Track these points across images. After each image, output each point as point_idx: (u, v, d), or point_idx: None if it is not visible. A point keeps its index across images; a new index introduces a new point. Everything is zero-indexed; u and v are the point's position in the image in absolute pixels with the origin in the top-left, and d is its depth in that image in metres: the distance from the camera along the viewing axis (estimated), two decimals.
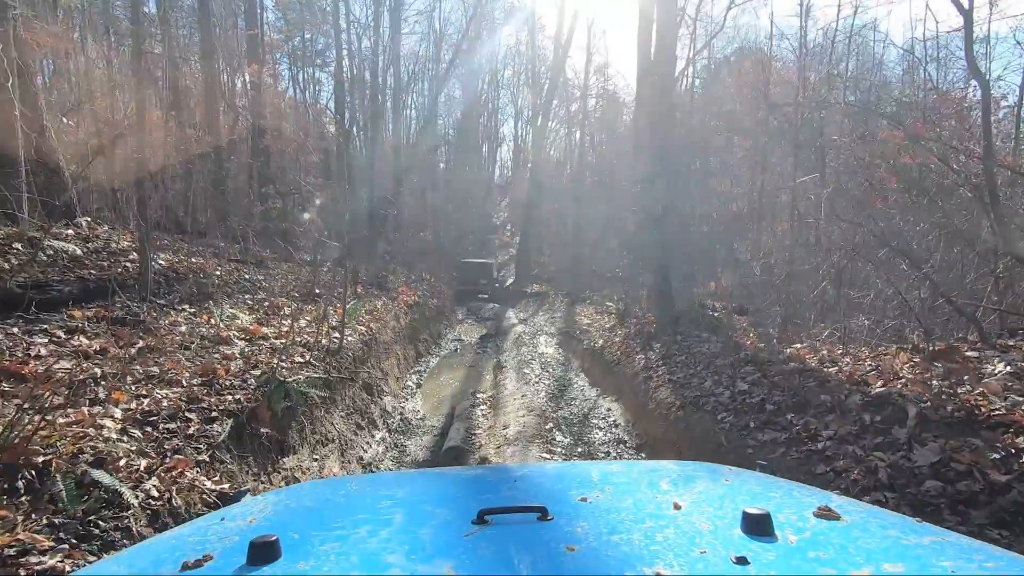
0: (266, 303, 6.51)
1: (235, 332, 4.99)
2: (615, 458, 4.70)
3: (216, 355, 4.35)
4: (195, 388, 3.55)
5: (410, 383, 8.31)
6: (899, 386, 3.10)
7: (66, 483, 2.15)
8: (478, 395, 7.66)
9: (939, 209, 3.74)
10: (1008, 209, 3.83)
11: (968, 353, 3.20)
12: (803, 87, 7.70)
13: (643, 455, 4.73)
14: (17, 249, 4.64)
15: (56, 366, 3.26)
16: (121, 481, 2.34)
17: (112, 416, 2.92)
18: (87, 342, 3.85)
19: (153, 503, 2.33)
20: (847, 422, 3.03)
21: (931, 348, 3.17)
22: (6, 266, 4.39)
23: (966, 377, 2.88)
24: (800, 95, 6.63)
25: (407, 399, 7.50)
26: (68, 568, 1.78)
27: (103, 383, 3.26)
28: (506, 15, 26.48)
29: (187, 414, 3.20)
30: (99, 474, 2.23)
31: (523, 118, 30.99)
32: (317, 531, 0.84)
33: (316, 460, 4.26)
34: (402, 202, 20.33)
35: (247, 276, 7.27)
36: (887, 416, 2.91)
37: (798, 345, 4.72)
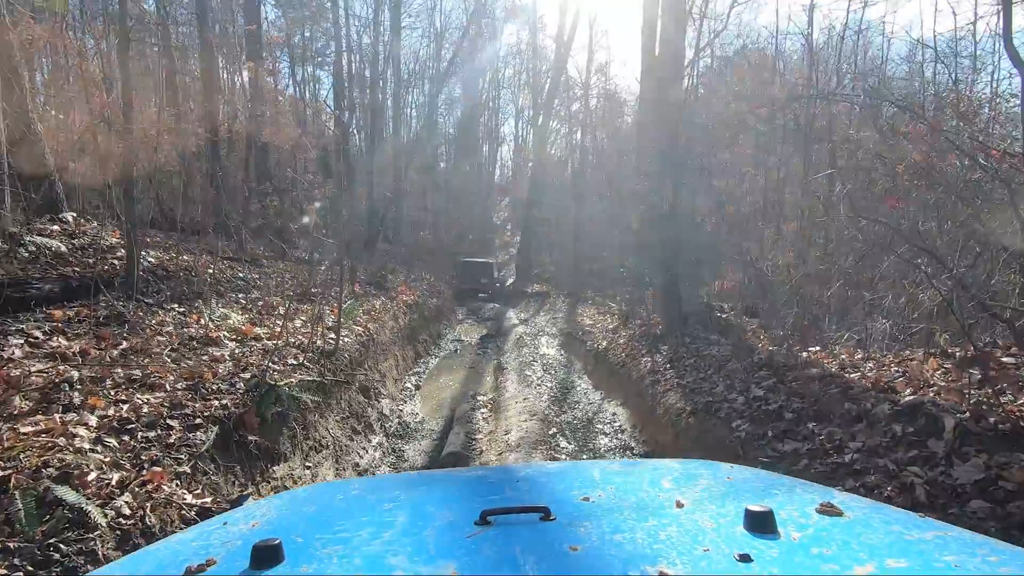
0: (260, 302, 6.30)
1: (226, 333, 4.78)
2: None
3: (204, 357, 4.14)
4: (179, 393, 3.35)
5: (409, 385, 8.10)
6: (931, 394, 2.90)
7: (25, 501, 1.94)
8: (478, 398, 7.45)
9: (965, 206, 3.55)
10: None
11: (1004, 359, 2.99)
12: (813, 82, 7.51)
13: None
14: None
15: (30, 369, 3.05)
16: (89, 498, 2.13)
17: (86, 424, 2.72)
18: (66, 343, 3.65)
19: (124, 522, 2.13)
20: (876, 433, 2.83)
21: (966, 353, 2.97)
22: None
23: (1005, 385, 2.68)
24: (811, 89, 6.43)
25: (405, 401, 7.29)
26: None
27: (79, 387, 3.06)
28: (507, 14, 26.32)
29: (169, 421, 2.99)
30: (63, 491, 2.03)
31: (524, 117, 30.82)
32: (320, 534, 0.83)
33: (309, 468, 4.05)
34: (402, 201, 20.15)
35: (241, 275, 7.06)
36: (920, 427, 2.70)
37: (814, 349, 4.52)
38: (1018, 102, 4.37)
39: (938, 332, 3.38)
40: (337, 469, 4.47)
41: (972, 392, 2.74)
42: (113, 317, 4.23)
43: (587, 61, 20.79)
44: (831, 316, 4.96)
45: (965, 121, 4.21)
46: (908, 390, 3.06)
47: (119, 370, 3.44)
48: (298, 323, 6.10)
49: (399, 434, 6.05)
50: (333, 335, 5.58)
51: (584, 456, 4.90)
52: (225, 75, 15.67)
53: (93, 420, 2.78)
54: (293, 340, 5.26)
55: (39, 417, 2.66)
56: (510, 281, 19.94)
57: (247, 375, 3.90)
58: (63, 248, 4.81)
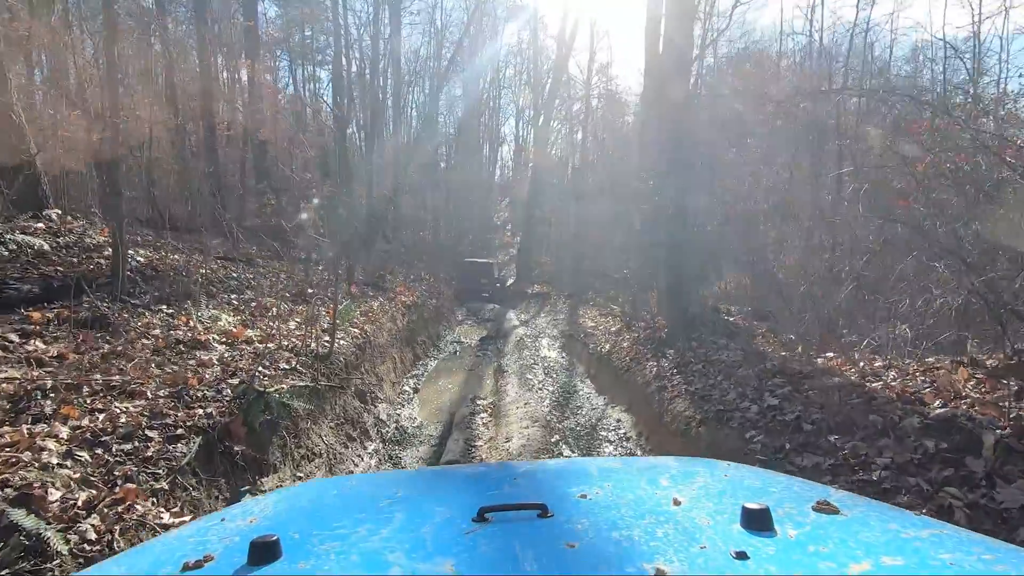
0: (253, 303, 6.11)
1: (215, 335, 4.59)
2: None
3: (191, 362, 3.95)
4: (161, 400, 3.15)
5: (407, 388, 7.91)
6: (964, 407, 2.71)
7: None
8: (478, 401, 7.26)
9: (996, 206, 3.36)
10: None
11: None
12: (820, 80, 7.32)
13: None
14: None
15: (0, 376, 2.86)
16: (51, 521, 1.93)
17: (56, 436, 2.52)
18: (43, 347, 3.45)
19: (88, 548, 1.93)
20: (905, 449, 2.64)
21: (1002, 362, 2.78)
22: None
23: None
24: (822, 85, 6.24)
25: (403, 406, 7.10)
26: None
27: (53, 395, 2.86)
28: (508, 13, 26.13)
29: (147, 432, 2.80)
30: (19, 514, 1.83)
31: (525, 117, 30.62)
32: (318, 530, 0.83)
33: (300, 478, 3.86)
34: (401, 201, 19.95)
35: (235, 275, 6.87)
36: (955, 443, 2.51)
37: (829, 355, 4.33)
38: None
39: (970, 339, 3.18)
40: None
41: (1011, 405, 2.55)
42: (96, 319, 4.03)
43: (588, 61, 20.66)
44: (844, 321, 4.76)
45: (995, 120, 4.03)
46: (937, 402, 2.87)
47: (98, 376, 3.25)
48: (292, 325, 5.91)
49: (396, 440, 5.86)
50: (328, 338, 5.38)
51: None
52: (225, 74, 15.50)
53: (64, 432, 2.58)
54: (287, 343, 5.07)
55: (5, 429, 2.47)
56: (510, 281, 19.76)
57: (235, 381, 3.71)
58: (46, 246, 4.61)
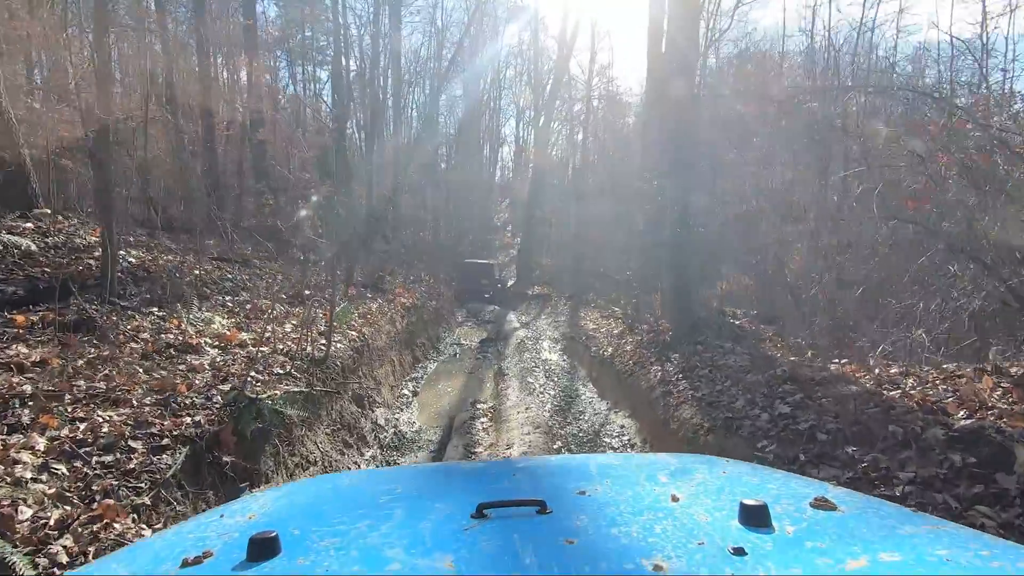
0: (248, 305, 5.97)
1: (207, 339, 4.45)
2: None
3: (181, 367, 3.81)
4: (147, 408, 3.01)
5: (406, 391, 7.77)
6: (991, 418, 2.57)
7: None
8: (478, 406, 7.12)
9: (1012, 206, 3.23)
10: None
11: None
12: (826, 79, 7.19)
13: None
14: None
15: None
16: (18, 544, 1.80)
17: (33, 448, 2.39)
18: (25, 351, 3.32)
19: (58, 573, 1.79)
20: (930, 462, 2.50)
21: None
22: None
23: None
24: (829, 82, 6.12)
25: (402, 410, 6.96)
26: None
27: (32, 404, 2.72)
28: (509, 14, 26.04)
29: (130, 442, 2.66)
30: None
31: (525, 118, 30.52)
32: (317, 527, 0.83)
33: None
34: (401, 201, 19.83)
35: (230, 276, 6.73)
36: (984, 457, 2.37)
37: (841, 360, 4.19)
38: None
39: (993, 345, 3.05)
40: None
41: None
42: (82, 322, 3.90)
43: (589, 62, 20.54)
44: (854, 325, 4.62)
45: (1012, 118, 3.91)
46: (962, 412, 2.73)
47: (81, 382, 3.11)
48: (289, 328, 5.77)
49: (394, 446, 5.72)
50: (324, 341, 5.24)
51: None
52: (225, 74, 15.37)
53: (42, 443, 2.44)
54: (282, 347, 4.93)
55: None
56: (511, 282, 19.64)
57: (227, 387, 3.57)
58: (33, 247, 4.48)
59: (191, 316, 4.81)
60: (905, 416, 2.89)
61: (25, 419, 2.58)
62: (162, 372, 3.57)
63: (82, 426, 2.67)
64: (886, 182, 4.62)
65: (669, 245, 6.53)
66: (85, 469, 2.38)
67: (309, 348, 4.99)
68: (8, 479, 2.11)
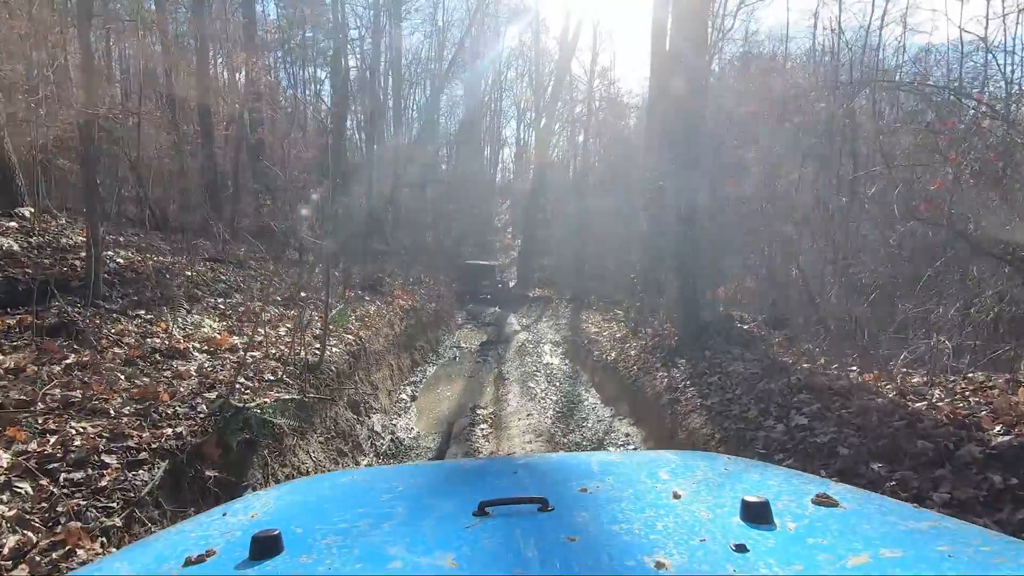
0: (241, 308, 5.78)
1: (196, 343, 4.27)
2: None
3: (167, 373, 3.63)
4: (125, 419, 2.83)
5: (404, 396, 7.58)
6: None
7: None
8: (478, 411, 6.93)
9: None
10: None
11: None
12: (833, 76, 7.02)
13: None
14: None
15: None
16: None
17: None
18: (0, 357, 3.13)
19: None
20: (966, 482, 2.31)
21: None
22: None
23: None
24: (837, 79, 5.95)
25: (399, 415, 6.77)
26: None
27: None
28: (511, 16, 25.94)
29: (104, 456, 2.47)
30: None
31: (526, 120, 30.42)
32: (319, 525, 0.83)
33: None
34: (401, 202, 19.67)
35: (224, 277, 6.55)
36: None
37: (858, 368, 4.00)
38: None
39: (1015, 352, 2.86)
40: None
41: None
42: (63, 326, 3.71)
43: (591, 63, 20.44)
44: (870, 331, 4.43)
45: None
46: (998, 427, 2.54)
47: (56, 391, 2.93)
48: (283, 331, 5.59)
49: (391, 453, 5.53)
50: (319, 345, 5.06)
51: None
52: (226, 74, 15.21)
53: (6, 458, 2.26)
54: (274, 351, 4.75)
55: None
56: (512, 284, 19.50)
57: (213, 395, 3.38)
58: (15, 247, 4.30)
59: (180, 319, 4.63)
60: (935, 430, 2.70)
61: None
62: (145, 379, 3.38)
63: (52, 439, 2.49)
64: (903, 182, 4.43)
65: (675, 246, 6.35)
66: (52, 488, 2.19)
67: (303, 353, 4.80)
68: None
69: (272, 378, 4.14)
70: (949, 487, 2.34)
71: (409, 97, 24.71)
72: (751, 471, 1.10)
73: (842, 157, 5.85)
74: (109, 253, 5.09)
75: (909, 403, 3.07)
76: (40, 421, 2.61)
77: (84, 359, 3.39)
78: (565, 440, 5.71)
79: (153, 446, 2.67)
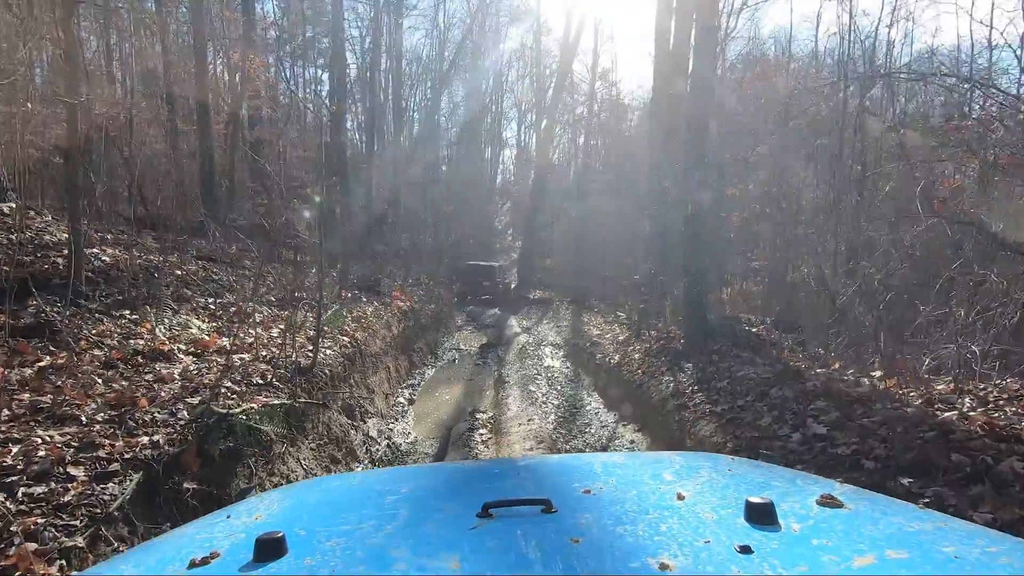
0: (233, 308, 5.59)
1: (182, 345, 4.08)
2: None
3: (148, 376, 3.43)
4: (97, 426, 2.63)
5: (401, 399, 7.39)
6: None
7: None
8: (478, 415, 6.74)
9: None
10: None
11: None
12: (839, 76, 6.84)
13: None
14: None
15: None
16: None
17: None
18: None
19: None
20: (1009, 501, 2.12)
21: None
22: None
23: None
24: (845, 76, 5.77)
25: (396, 420, 6.57)
26: None
27: None
28: (512, 17, 25.84)
29: (70, 468, 2.28)
30: None
31: (527, 121, 30.31)
32: (323, 527, 0.83)
33: None
34: (401, 203, 19.51)
35: (216, 277, 6.36)
36: None
37: (876, 373, 3.80)
38: None
39: None
40: None
41: None
42: (41, 326, 3.52)
43: (592, 64, 20.30)
44: (887, 335, 4.24)
45: None
46: None
47: (26, 395, 2.73)
48: (275, 332, 5.40)
49: (387, 460, 5.33)
50: (312, 347, 4.87)
51: None
52: (226, 75, 15.05)
53: None
54: (265, 353, 4.56)
55: None
56: (513, 285, 19.35)
57: (196, 400, 3.19)
58: None
59: (167, 320, 4.43)
60: (969, 443, 2.51)
61: None
62: (123, 383, 3.19)
63: (15, 449, 2.29)
64: (923, 178, 4.24)
65: (681, 246, 6.16)
66: (8, 504, 2.00)
67: (295, 355, 4.61)
68: None
69: (261, 382, 3.95)
70: (991, 507, 2.15)
71: (410, 98, 24.60)
72: (755, 472, 1.09)
73: (851, 155, 5.67)
74: (95, 251, 4.91)
75: (937, 412, 2.88)
76: (3, 429, 2.42)
77: (60, 361, 3.20)
78: (567, 446, 5.51)
79: (126, 456, 2.48)
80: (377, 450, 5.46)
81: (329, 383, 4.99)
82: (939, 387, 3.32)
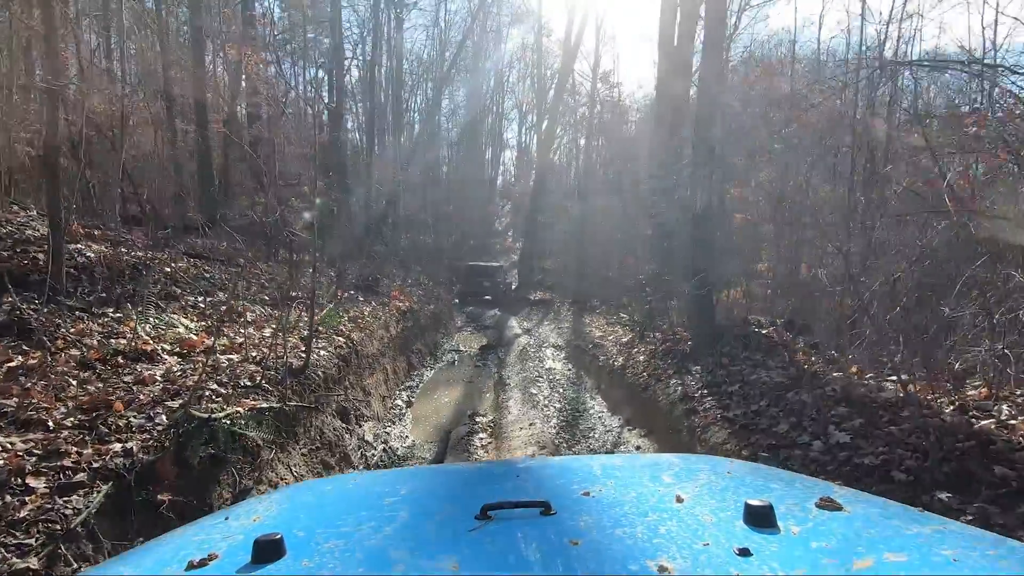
0: (224, 307, 5.39)
1: (166, 345, 3.87)
2: None
3: (128, 378, 3.23)
4: (65, 432, 2.43)
5: (399, 402, 7.18)
6: None
7: None
8: (477, 419, 6.53)
9: None
10: None
11: None
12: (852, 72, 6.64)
13: None
14: None
15: None
16: None
17: None
18: None
19: None
20: None
21: None
22: None
23: None
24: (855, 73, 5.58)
25: (393, 423, 6.37)
26: None
27: None
28: (513, 18, 25.72)
29: (30, 479, 2.07)
30: None
31: (528, 122, 30.19)
32: (321, 528, 0.83)
33: None
34: (401, 203, 19.35)
35: (208, 274, 6.16)
36: None
37: (899, 377, 3.59)
38: None
39: None
40: None
41: None
42: (14, 324, 3.32)
43: (594, 64, 20.14)
44: (906, 338, 4.03)
45: None
46: None
47: None
48: (268, 332, 5.19)
49: (383, 465, 5.13)
50: (304, 348, 4.66)
51: None
52: (224, 73, 14.87)
53: None
54: (255, 354, 4.35)
55: None
56: (514, 286, 19.19)
57: (176, 403, 2.99)
58: None
59: (153, 318, 4.23)
60: (1014, 454, 2.31)
61: None
62: (99, 385, 2.99)
63: None
64: (949, 172, 4.04)
65: (688, 245, 5.96)
66: None
67: (286, 356, 4.40)
68: None
69: (249, 384, 3.74)
70: None
71: (410, 98, 24.45)
72: (754, 474, 1.09)
73: (866, 150, 5.48)
74: (79, 246, 4.71)
75: (972, 420, 2.68)
76: None
77: (31, 362, 3.00)
78: (571, 452, 5.31)
79: (95, 465, 2.28)
80: (373, 455, 5.26)
81: (322, 385, 4.78)
82: (970, 392, 3.12)
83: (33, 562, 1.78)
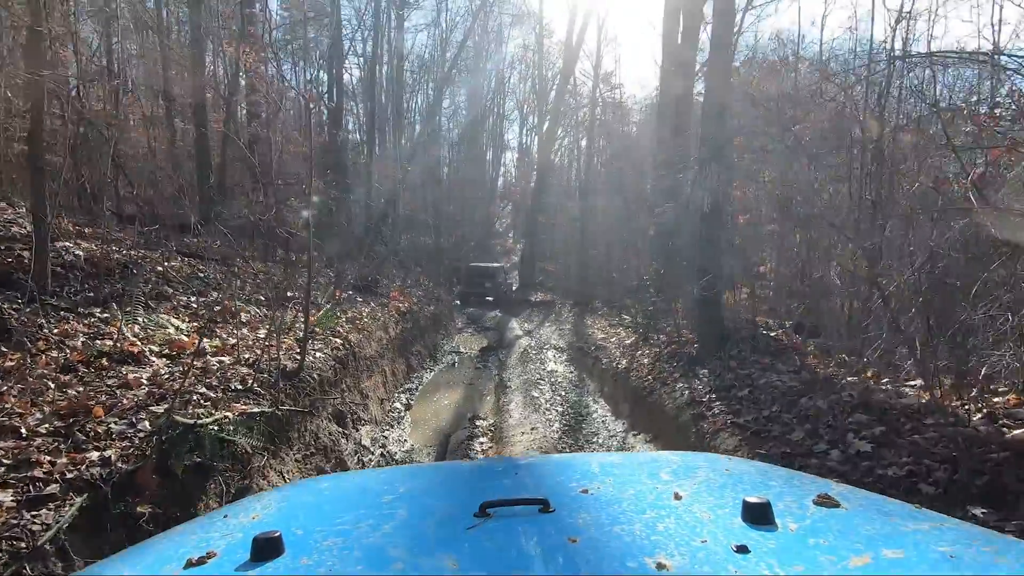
0: (217, 308, 5.24)
1: (154, 347, 3.72)
2: None
3: (111, 381, 3.08)
4: (38, 440, 2.28)
5: (398, 404, 7.04)
6: None
7: None
8: (478, 423, 6.38)
9: None
10: None
11: None
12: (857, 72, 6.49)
13: None
14: None
15: None
16: None
17: None
18: None
19: None
20: None
21: None
22: None
23: None
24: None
25: (392, 426, 6.22)
26: None
27: None
28: (514, 19, 25.62)
29: None
30: None
31: (529, 123, 30.08)
32: (320, 527, 0.83)
33: None
34: (401, 204, 19.22)
35: (202, 274, 6.01)
36: None
37: (916, 383, 3.44)
38: None
39: None
40: None
41: None
42: None
43: (595, 65, 19.99)
44: (924, 342, 3.87)
45: None
46: None
47: None
48: (263, 333, 5.05)
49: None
50: (299, 350, 4.51)
51: None
52: (229, 77, 14.76)
53: None
54: (248, 356, 4.21)
55: None
56: (515, 287, 19.06)
57: (161, 408, 2.84)
58: None
59: (142, 318, 4.08)
60: None
61: None
62: (80, 388, 2.84)
63: None
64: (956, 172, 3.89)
65: (694, 245, 5.81)
66: None
67: (280, 358, 4.26)
68: None
69: (241, 387, 3.59)
70: None
71: (411, 99, 24.35)
72: (752, 472, 1.09)
73: (875, 150, 5.33)
74: (67, 244, 4.57)
75: (1005, 430, 2.52)
76: None
77: (9, 364, 2.85)
78: None
79: (69, 476, 2.13)
80: (370, 459, 5.11)
81: (318, 388, 4.63)
82: (995, 399, 2.96)
83: None
